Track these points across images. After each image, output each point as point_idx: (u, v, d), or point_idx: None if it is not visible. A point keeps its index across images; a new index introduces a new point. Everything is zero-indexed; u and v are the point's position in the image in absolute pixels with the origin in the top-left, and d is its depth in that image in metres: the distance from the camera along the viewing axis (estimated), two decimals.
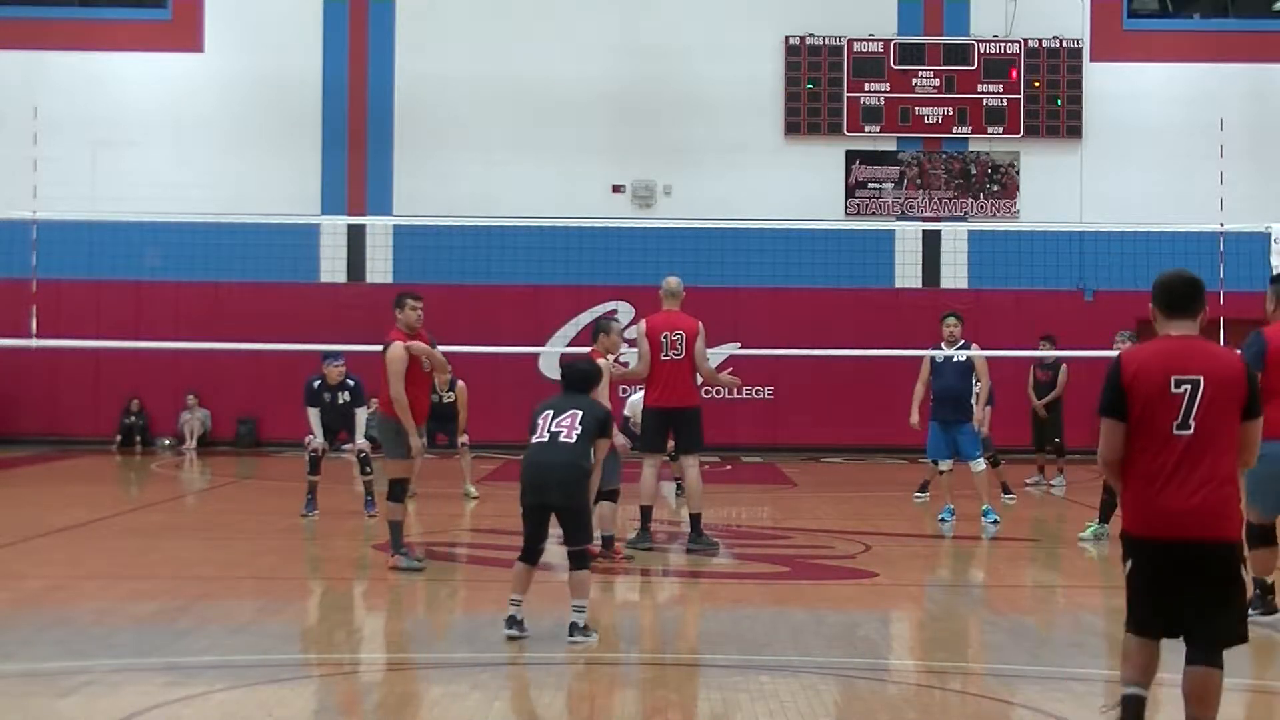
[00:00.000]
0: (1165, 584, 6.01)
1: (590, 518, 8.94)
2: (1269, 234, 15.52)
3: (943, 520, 14.79)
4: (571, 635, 8.66)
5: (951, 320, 15.07)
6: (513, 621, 8.73)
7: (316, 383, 15.12)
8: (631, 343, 13.46)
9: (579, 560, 8.76)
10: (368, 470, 15.14)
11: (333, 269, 25.31)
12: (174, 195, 24.25)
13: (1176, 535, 5.93)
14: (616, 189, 25.99)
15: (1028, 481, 19.05)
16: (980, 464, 14.81)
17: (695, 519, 12.87)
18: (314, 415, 15.01)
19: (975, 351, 14.99)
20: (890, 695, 7.87)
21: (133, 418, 25.22)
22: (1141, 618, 6.11)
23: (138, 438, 25.19)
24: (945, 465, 15.03)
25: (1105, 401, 6.07)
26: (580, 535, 8.77)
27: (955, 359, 14.80)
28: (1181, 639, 6.07)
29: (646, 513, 12.84)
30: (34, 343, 17.07)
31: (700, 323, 12.94)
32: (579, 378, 9.12)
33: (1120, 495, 6.18)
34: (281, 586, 11.27)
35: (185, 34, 26.27)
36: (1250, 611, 8.24)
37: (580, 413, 8.87)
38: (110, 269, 24.17)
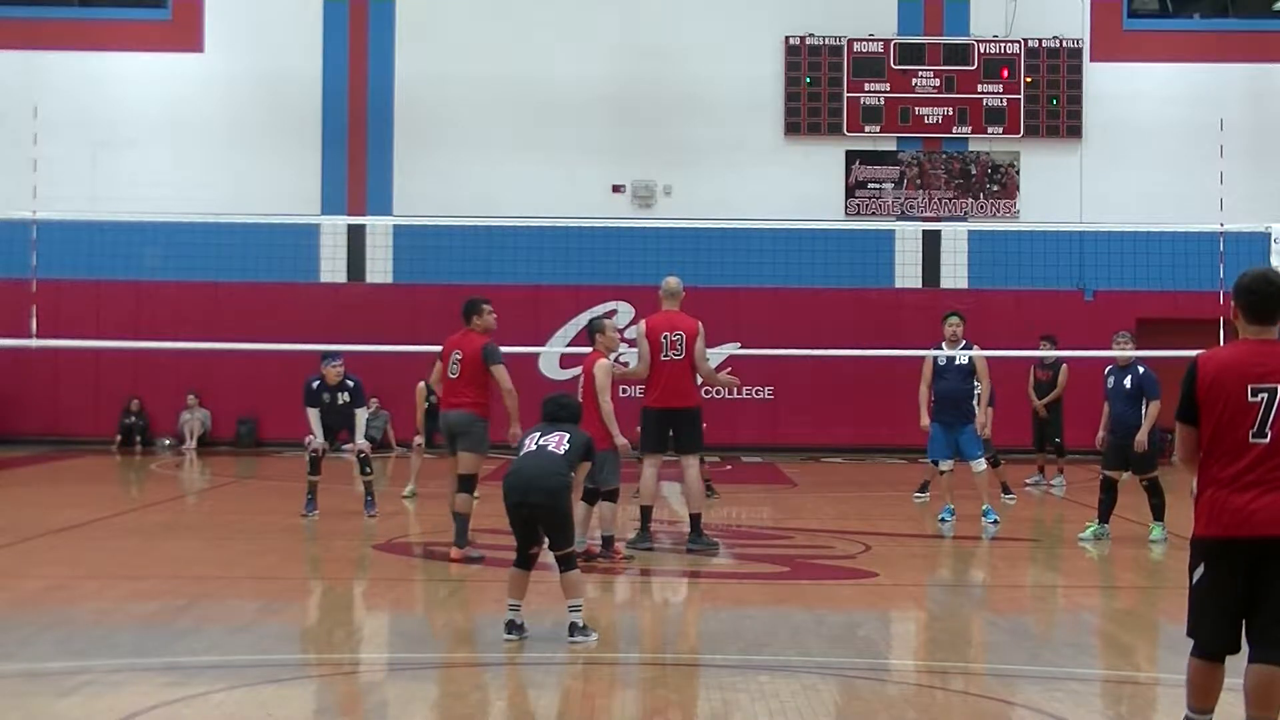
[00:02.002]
0: (1233, 586, 5.92)
1: (572, 522, 8.99)
2: (1269, 234, 15.53)
3: (942, 520, 14.79)
4: (571, 635, 8.67)
5: (954, 320, 15.02)
6: (512, 626, 8.74)
7: (315, 383, 15.12)
8: (631, 343, 13.47)
9: (566, 563, 8.81)
10: (367, 470, 15.15)
11: (333, 269, 25.31)
12: (174, 195, 24.27)
13: (1246, 533, 5.86)
14: (616, 189, 25.99)
15: (1028, 481, 19.05)
16: (981, 464, 14.80)
17: (695, 519, 12.87)
18: (314, 415, 15.00)
19: (976, 352, 14.96)
20: (890, 695, 7.87)
21: (133, 418, 25.21)
22: (1207, 634, 6.01)
23: (138, 438, 25.19)
24: (946, 465, 15.01)
25: (1180, 408, 6.05)
26: (563, 539, 8.82)
27: (958, 361, 14.77)
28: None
29: (646, 513, 12.83)
30: (34, 343, 17.08)
31: (700, 323, 12.93)
32: (560, 410, 9.21)
33: (1195, 501, 6.12)
34: (281, 586, 11.27)
35: (185, 34, 26.27)
36: None
37: (568, 435, 9.02)
38: (110, 269, 24.16)
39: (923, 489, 17.23)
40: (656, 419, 12.87)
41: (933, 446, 15.01)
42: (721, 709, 7.25)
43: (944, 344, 14.95)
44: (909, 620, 10.39)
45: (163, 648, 8.51)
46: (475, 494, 12.38)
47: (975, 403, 14.99)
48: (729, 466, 22.38)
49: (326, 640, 9.31)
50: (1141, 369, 13.93)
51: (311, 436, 14.98)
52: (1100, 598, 11.32)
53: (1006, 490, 17.08)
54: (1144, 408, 13.69)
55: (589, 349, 12.46)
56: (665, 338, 12.75)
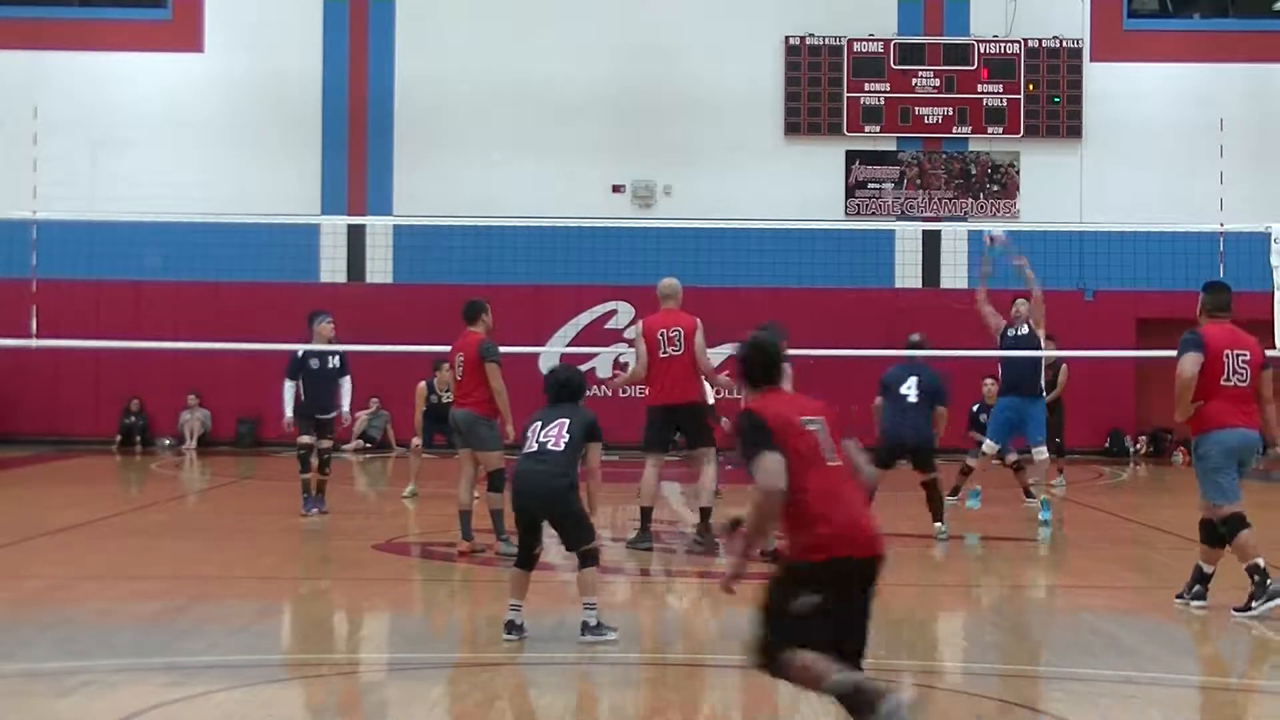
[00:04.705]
0: None
1: (584, 519, 8.88)
2: (1269, 234, 15.52)
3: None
4: (584, 634, 8.61)
5: (1022, 301, 15.56)
6: (511, 626, 8.70)
7: (301, 352, 15.04)
8: (630, 343, 13.49)
9: (583, 560, 8.73)
10: (325, 471, 15.13)
11: (333, 269, 25.29)
12: (174, 195, 24.24)
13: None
14: (616, 189, 25.99)
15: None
16: (1043, 451, 14.93)
17: (705, 513, 12.85)
18: (289, 390, 14.92)
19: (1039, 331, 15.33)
20: None
21: (133, 418, 25.22)
22: None
23: (138, 438, 25.19)
24: (991, 449, 15.12)
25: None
26: (577, 538, 8.74)
27: (1019, 333, 15.08)
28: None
29: (647, 513, 12.79)
30: (34, 343, 17.05)
31: (698, 319, 12.93)
32: (562, 390, 9.07)
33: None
34: (281, 586, 11.27)
35: (185, 34, 26.27)
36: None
37: (567, 421, 8.82)
38: (110, 269, 24.16)
39: (953, 492, 16.91)
40: (660, 417, 12.86)
41: (994, 428, 15.14)
42: (722, 709, 7.24)
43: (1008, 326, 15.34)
44: (909, 620, 10.37)
45: (163, 648, 8.50)
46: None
47: (1042, 377, 15.25)
48: (730, 466, 22.35)
49: (326, 640, 9.31)
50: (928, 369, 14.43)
51: (293, 426, 14.87)
52: (1100, 598, 11.31)
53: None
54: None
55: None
56: (662, 334, 12.75)
